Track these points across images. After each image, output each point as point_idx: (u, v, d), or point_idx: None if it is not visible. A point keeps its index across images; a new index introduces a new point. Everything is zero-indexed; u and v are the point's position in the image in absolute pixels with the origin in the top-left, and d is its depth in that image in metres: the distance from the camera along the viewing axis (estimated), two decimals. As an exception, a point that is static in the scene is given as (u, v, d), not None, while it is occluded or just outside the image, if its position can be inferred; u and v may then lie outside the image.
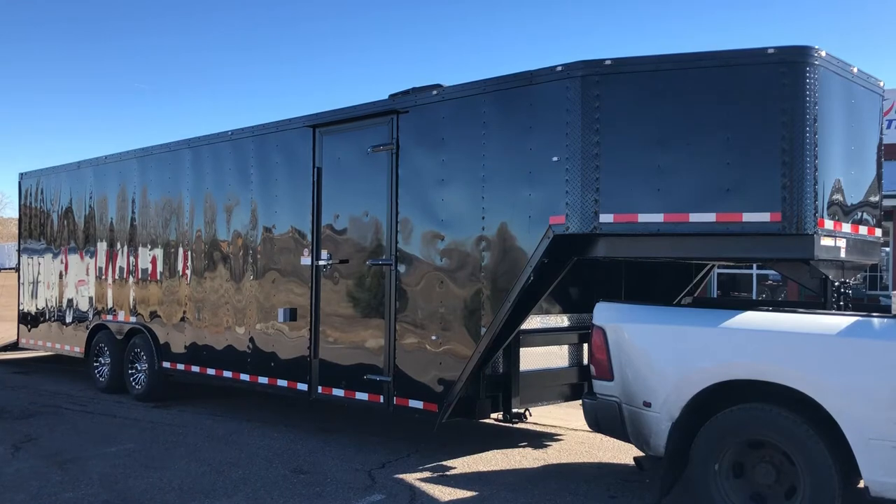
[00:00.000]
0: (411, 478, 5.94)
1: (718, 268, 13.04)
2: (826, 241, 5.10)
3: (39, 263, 11.52)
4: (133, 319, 9.54)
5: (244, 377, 7.98)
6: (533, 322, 6.58)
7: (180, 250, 8.93)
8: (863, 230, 5.68)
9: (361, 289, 6.93)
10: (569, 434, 7.52)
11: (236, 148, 8.22)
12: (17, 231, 12.97)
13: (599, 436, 6.39)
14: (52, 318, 11.12)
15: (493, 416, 6.70)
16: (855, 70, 5.52)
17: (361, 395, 6.81)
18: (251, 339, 7.93)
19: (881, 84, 5.95)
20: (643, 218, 5.28)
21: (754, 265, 17.01)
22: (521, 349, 6.48)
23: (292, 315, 7.42)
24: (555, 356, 6.89)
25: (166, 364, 8.99)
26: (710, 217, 5.12)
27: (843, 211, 5.38)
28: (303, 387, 7.33)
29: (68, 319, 10.76)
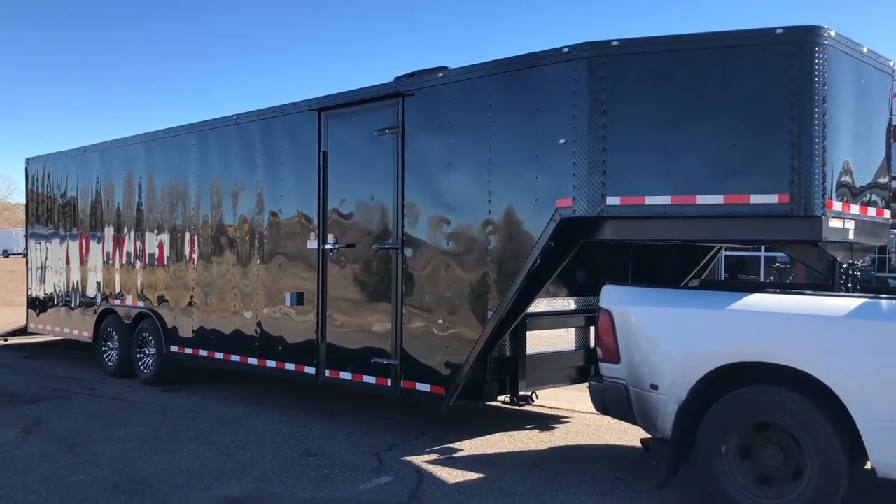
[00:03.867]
0: (419, 460, 5.97)
1: (726, 250, 13.02)
2: (834, 223, 5.07)
3: (47, 248, 11.56)
4: (141, 304, 9.57)
5: (252, 361, 8.01)
6: (539, 305, 6.57)
7: (187, 235, 8.95)
8: (871, 212, 5.64)
9: (368, 273, 6.94)
10: (575, 416, 7.54)
11: (242, 132, 8.20)
12: (24, 216, 13.00)
13: (606, 418, 6.40)
14: (61, 303, 11.17)
15: (500, 398, 6.72)
16: (865, 50, 5.47)
17: (369, 379, 6.83)
18: (258, 324, 7.95)
19: (891, 64, 5.90)
20: (650, 200, 5.26)
21: (762, 247, 16.95)
22: (528, 332, 6.48)
23: (299, 299, 7.44)
24: (561, 339, 6.89)
25: (174, 348, 9.03)
26: (717, 199, 5.09)
27: (851, 192, 5.35)
28: (310, 370, 7.36)
29: (76, 304, 10.81)
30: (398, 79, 6.76)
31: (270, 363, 7.80)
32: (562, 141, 5.53)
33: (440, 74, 6.38)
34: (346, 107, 7.12)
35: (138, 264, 9.68)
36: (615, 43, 5.36)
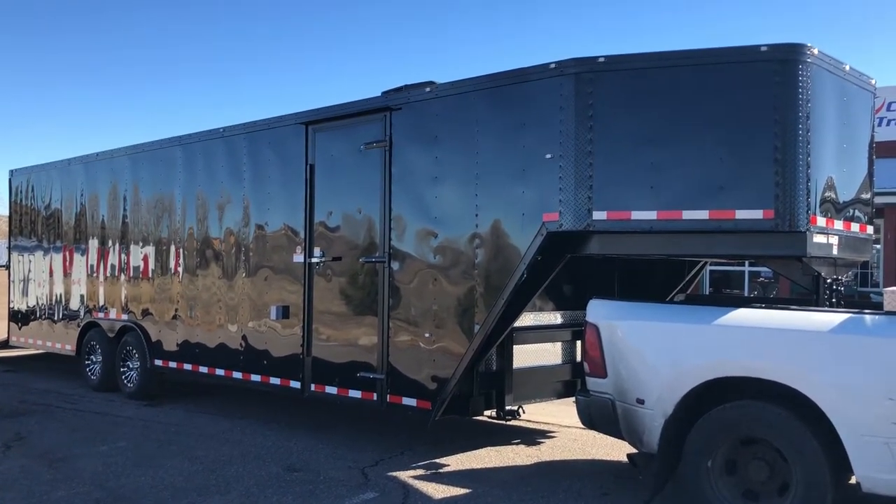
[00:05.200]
0: (404, 475, 5.94)
1: (711, 265, 13.09)
2: (818, 239, 5.12)
3: (30, 261, 11.46)
4: (125, 317, 9.50)
5: (237, 375, 7.95)
6: (526, 319, 6.58)
7: (172, 248, 8.90)
8: (855, 227, 5.69)
9: (354, 286, 6.92)
10: (562, 431, 7.53)
11: (228, 145, 8.19)
12: (6, 228, 12.90)
13: (592, 433, 6.40)
14: (43, 316, 11.07)
15: (487, 413, 6.71)
16: (847, 68, 5.54)
17: (355, 393, 6.80)
18: (244, 337, 7.91)
19: (873, 82, 5.97)
20: (636, 215, 5.28)
21: (746, 262, 17.07)
22: (515, 346, 6.48)
23: (285, 313, 7.40)
24: (548, 353, 6.89)
25: (158, 362, 8.95)
26: (702, 214, 5.13)
27: (835, 208, 5.40)
28: (296, 384, 7.31)
29: (59, 317, 10.71)
30: (385, 93, 6.78)
31: (255, 377, 7.75)
32: (548, 156, 5.55)
33: (427, 89, 6.40)
34: (334, 120, 7.13)
35: (123, 277, 9.61)
36: (602, 59, 5.40)
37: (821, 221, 5.14)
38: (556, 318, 6.99)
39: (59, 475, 5.92)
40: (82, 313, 10.25)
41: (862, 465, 4.14)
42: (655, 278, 7.33)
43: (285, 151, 7.55)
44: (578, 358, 6.97)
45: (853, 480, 4.28)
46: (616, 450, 6.61)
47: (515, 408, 6.70)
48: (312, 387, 7.18)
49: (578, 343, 6.90)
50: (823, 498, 4.22)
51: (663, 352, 4.88)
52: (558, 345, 6.99)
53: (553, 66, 5.57)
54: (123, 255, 9.60)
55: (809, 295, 5.52)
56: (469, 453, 6.63)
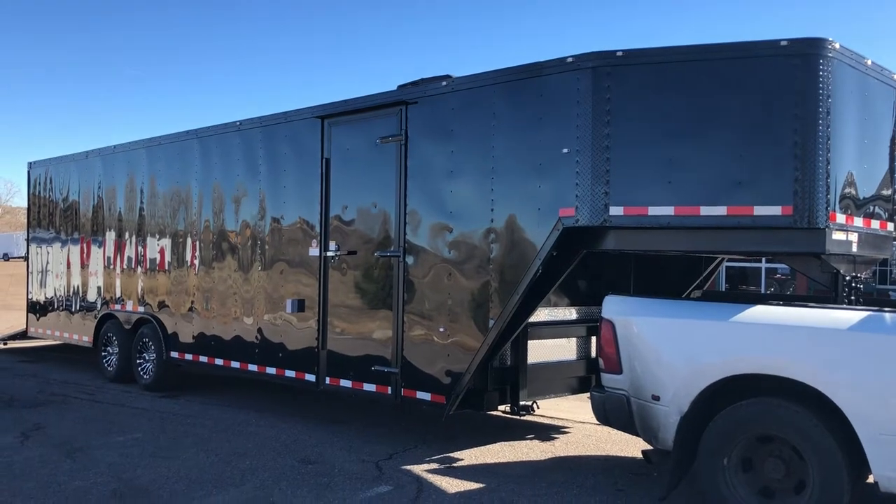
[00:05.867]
0: (418, 469, 5.95)
1: (727, 261, 13.02)
2: (838, 235, 5.07)
3: (48, 252, 11.56)
4: (141, 309, 9.56)
5: (252, 367, 7.99)
6: (541, 314, 6.55)
7: (188, 240, 8.94)
8: (875, 224, 5.63)
9: (369, 280, 6.93)
10: (576, 427, 7.52)
11: (244, 138, 8.21)
12: (25, 220, 13.01)
13: (607, 429, 6.38)
14: (61, 307, 11.16)
15: (501, 408, 6.70)
16: (869, 62, 5.47)
17: (369, 387, 6.81)
18: (259, 330, 7.94)
19: (895, 77, 5.89)
20: (653, 211, 5.25)
21: (763, 259, 16.95)
22: (529, 342, 6.46)
23: (300, 306, 7.43)
24: (563, 349, 6.87)
25: (174, 354, 9.01)
26: (721, 210, 5.09)
27: (855, 205, 5.34)
28: (311, 377, 7.34)
29: (76, 308, 10.79)
30: (401, 87, 6.77)
31: (270, 370, 7.78)
32: (565, 150, 5.52)
33: (443, 83, 6.38)
34: (350, 114, 7.13)
35: (139, 269, 9.67)
36: (619, 53, 5.36)
37: (840, 218, 5.09)
38: (571, 313, 6.96)
39: (77, 465, 5.97)
40: (99, 305, 10.33)
41: (880, 464, 4.10)
42: (672, 274, 7.29)
43: (301, 145, 7.56)
44: (593, 354, 6.94)
45: (871, 479, 4.24)
46: (631, 446, 6.59)
47: (530, 403, 6.69)
48: (327, 380, 7.20)
49: (593, 339, 6.87)
50: (840, 497, 4.18)
51: (679, 348, 4.85)
52: (573, 340, 6.97)
53: (570, 59, 5.54)
54: (140, 248, 9.66)
55: (828, 292, 5.47)
56: (483, 448, 6.63)
